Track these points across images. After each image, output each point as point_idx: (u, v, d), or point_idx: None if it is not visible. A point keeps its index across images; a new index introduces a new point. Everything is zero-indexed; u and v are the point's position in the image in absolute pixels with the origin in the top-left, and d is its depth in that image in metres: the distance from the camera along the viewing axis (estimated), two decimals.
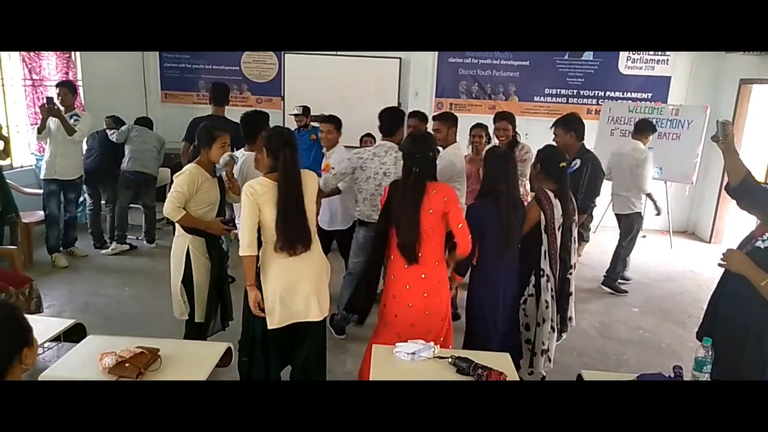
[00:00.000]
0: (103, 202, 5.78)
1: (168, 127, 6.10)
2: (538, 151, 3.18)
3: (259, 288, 2.67)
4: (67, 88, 5.12)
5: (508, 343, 2.86)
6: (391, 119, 3.69)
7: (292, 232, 2.57)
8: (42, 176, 5.13)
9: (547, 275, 3.00)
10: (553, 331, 3.06)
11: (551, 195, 2.98)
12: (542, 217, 2.95)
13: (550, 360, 3.09)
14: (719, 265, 2.28)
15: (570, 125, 3.81)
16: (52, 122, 4.92)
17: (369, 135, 5.68)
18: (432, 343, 2.42)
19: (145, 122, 5.95)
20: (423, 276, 2.70)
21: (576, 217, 3.19)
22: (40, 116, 4.90)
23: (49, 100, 4.87)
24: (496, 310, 2.89)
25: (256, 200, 2.55)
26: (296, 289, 2.67)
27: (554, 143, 3.66)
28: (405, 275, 2.72)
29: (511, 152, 3.18)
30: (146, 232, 5.89)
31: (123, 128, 5.72)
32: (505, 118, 4.48)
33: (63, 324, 2.78)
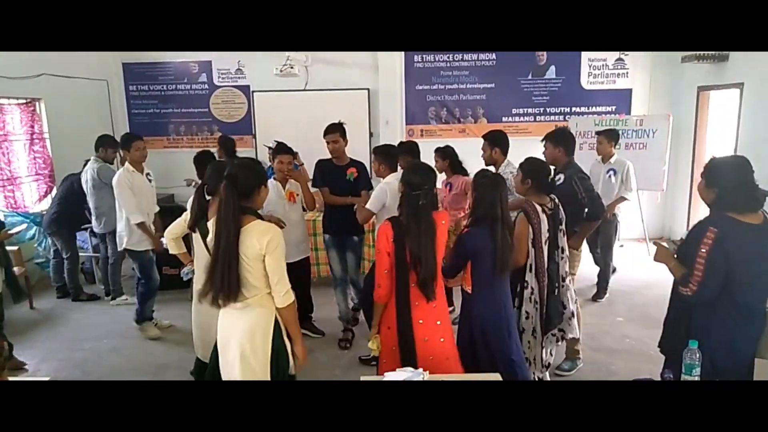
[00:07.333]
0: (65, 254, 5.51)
1: None
2: (524, 165, 3.16)
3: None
4: None
5: (519, 365, 2.87)
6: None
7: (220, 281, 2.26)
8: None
9: (531, 287, 3.05)
10: (535, 338, 3.12)
11: (539, 209, 3.03)
12: (530, 230, 2.99)
13: (545, 367, 3.22)
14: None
15: (560, 140, 3.75)
16: None
17: None
18: (420, 370, 2.38)
19: (104, 143, 5.26)
20: (434, 306, 2.68)
21: (563, 228, 3.23)
22: None
23: None
24: (501, 332, 2.84)
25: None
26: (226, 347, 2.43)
27: (542, 156, 3.66)
28: (419, 311, 2.66)
29: (500, 175, 3.18)
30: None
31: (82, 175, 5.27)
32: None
33: None
